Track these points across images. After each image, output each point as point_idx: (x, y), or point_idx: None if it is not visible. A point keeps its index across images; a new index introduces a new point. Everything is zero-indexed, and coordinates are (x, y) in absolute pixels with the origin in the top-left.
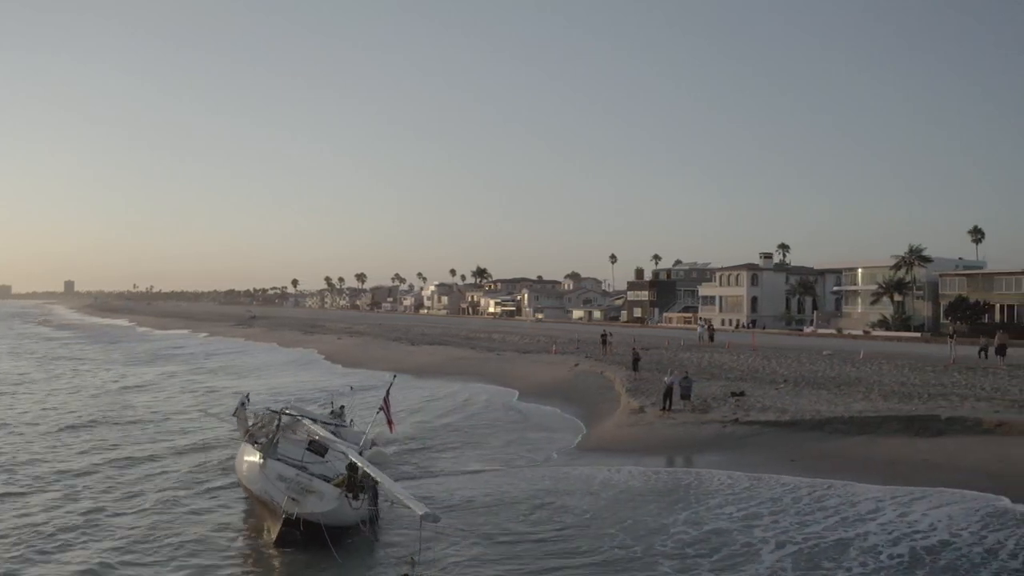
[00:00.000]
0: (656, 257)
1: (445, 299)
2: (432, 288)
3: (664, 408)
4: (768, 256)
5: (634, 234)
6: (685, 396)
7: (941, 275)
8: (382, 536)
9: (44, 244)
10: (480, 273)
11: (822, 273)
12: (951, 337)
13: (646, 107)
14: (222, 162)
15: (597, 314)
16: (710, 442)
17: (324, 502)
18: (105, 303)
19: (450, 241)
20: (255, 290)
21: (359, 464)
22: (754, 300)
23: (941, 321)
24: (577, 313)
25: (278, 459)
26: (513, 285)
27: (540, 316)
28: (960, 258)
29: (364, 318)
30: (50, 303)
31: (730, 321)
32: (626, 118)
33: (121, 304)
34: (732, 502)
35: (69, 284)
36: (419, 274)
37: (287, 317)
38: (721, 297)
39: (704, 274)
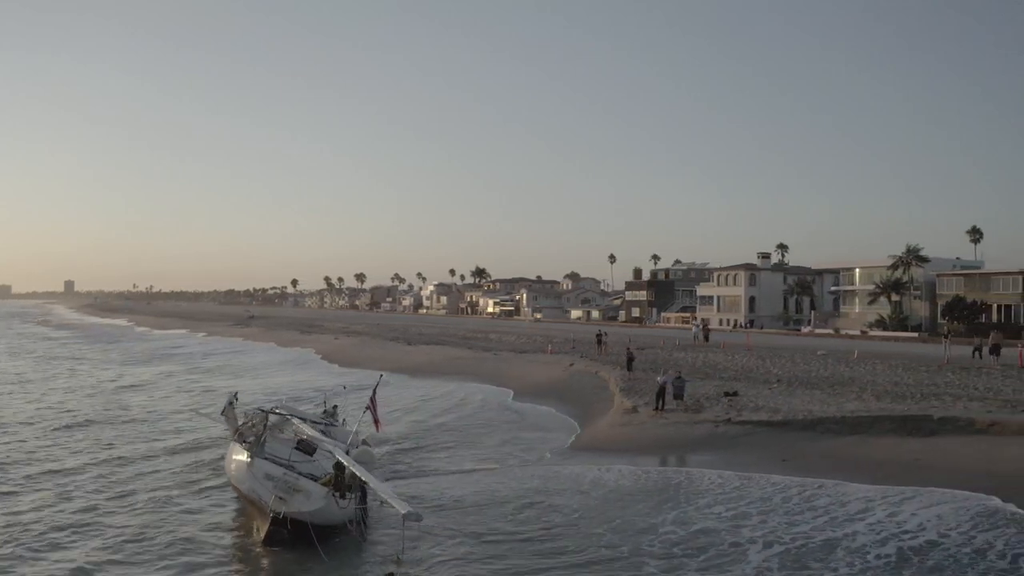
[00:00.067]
0: (655, 257)
1: (444, 299)
2: (431, 288)
3: (657, 408)
4: (766, 256)
5: (634, 234)
6: (678, 396)
7: (938, 275)
8: (370, 535)
9: (44, 244)
10: (479, 273)
11: (820, 273)
12: (945, 337)
13: (646, 107)
14: (222, 162)
15: (595, 314)
16: (702, 442)
17: (311, 501)
18: (105, 303)
19: (450, 241)
20: (255, 290)
21: (346, 463)
22: (752, 300)
23: (938, 321)
24: (575, 313)
25: (266, 458)
26: (512, 285)
27: (539, 316)
28: (958, 258)
29: (362, 318)
30: (50, 303)
31: (728, 321)
32: (626, 118)
33: (121, 304)
34: (721, 502)
35: (69, 284)
36: (419, 274)
37: (286, 317)
38: (719, 297)
39: (702, 274)
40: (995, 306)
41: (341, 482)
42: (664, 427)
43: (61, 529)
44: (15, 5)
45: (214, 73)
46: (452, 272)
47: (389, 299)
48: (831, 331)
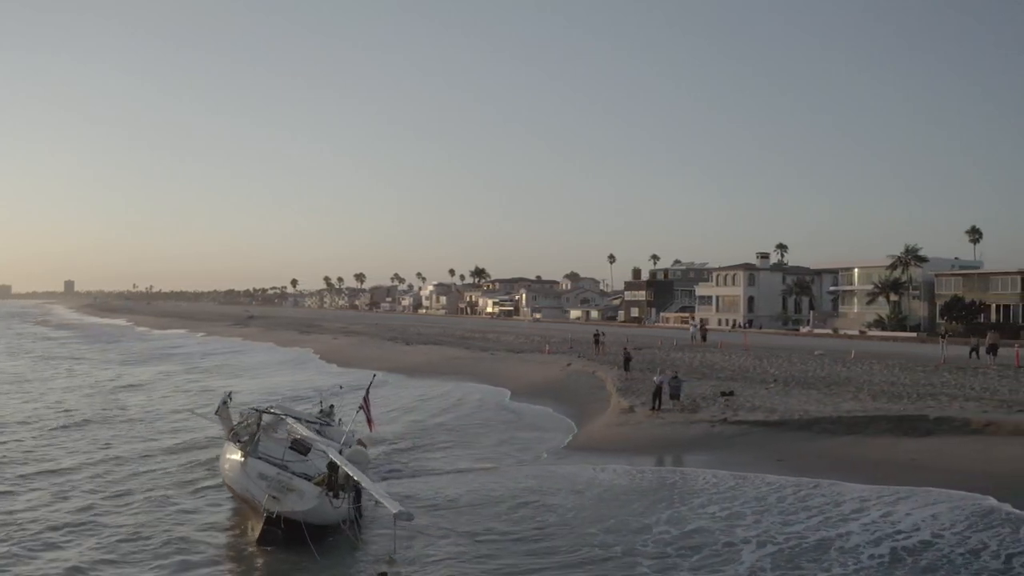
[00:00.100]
0: (654, 257)
1: (443, 299)
2: (430, 288)
3: (653, 408)
4: (765, 256)
5: (634, 234)
6: (674, 396)
7: (937, 275)
8: (364, 535)
9: (44, 244)
10: (478, 273)
11: (819, 273)
12: (942, 337)
13: (646, 107)
14: (222, 162)
15: (595, 314)
16: (698, 442)
17: (304, 501)
18: (104, 303)
19: (450, 241)
20: (255, 290)
21: (339, 463)
22: (751, 300)
23: (937, 321)
24: (575, 313)
25: (259, 458)
26: (511, 285)
27: (538, 316)
28: (956, 258)
29: (362, 318)
30: (50, 303)
31: (727, 321)
32: (626, 118)
33: (120, 304)
34: (716, 501)
35: (69, 284)
36: (418, 274)
37: (285, 317)
38: (718, 297)
39: (701, 274)
40: (994, 306)
41: (334, 482)
42: (660, 427)
43: (56, 528)
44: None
45: (214, 73)
46: (452, 272)
47: (389, 299)
48: (830, 331)
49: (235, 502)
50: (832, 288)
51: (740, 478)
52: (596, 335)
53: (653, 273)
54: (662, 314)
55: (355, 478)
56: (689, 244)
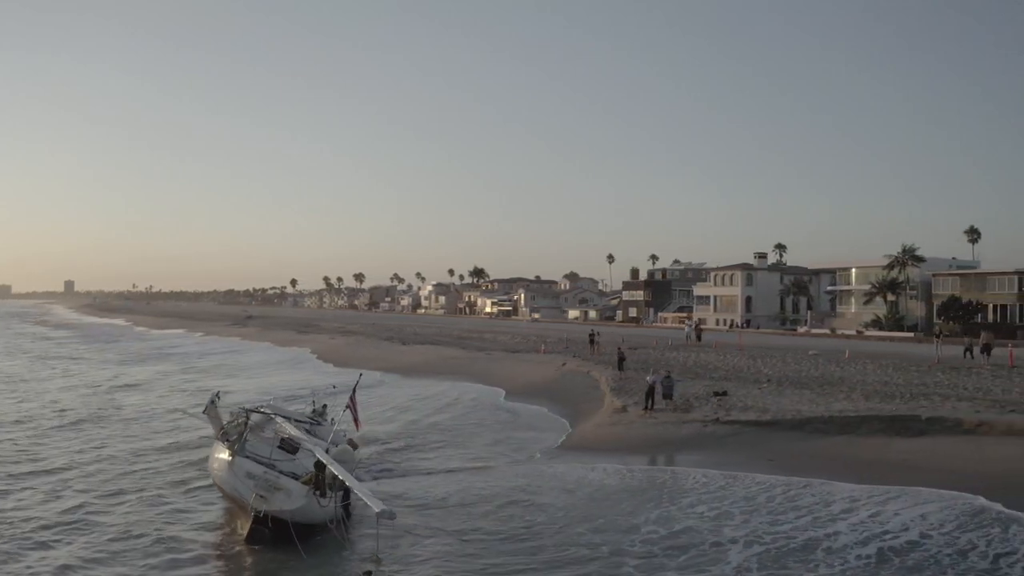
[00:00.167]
0: (653, 257)
1: (442, 299)
2: (429, 288)
3: (646, 407)
4: (763, 256)
5: (634, 234)
6: (667, 395)
7: (934, 275)
8: (352, 534)
9: (44, 244)
10: (477, 273)
11: (817, 273)
12: (937, 337)
13: (646, 107)
14: (222, 162)
15: (593, 314)
16: (690, 441)
17: (292, 499)
18: (104, 303)
19: (450, 241)
20: (254, 290)
21: (325, 462)
22: (748, 300)
23: (934, 321)
24: (573, 313)
25: (247, 457)
26: (510, 285)
27: (536, 316)
28: (954, 258)
29: (360, 318)
30: (49, 303)
31: (724, 321)
32: (626, 118)
33: (120, 304)
34: (705, 501)
35: (69, 284)
36: (418, 274)
37: (283, 317)
38: (716, 297)
39: (699, 274)
40: (991, 306)
41: (321, 481)
42: (653, 427)
43: (48, 528)
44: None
45: (214, 73)
46: (451, 272)
47: (388, 299)
48: (827, 331)
49: (226, 501)
50: (830, 288)
51: (730, 478)
52: (591, 335)
53: (651, 273)
54: (660, 314)
55: (340, 477)
56: (689, 244)
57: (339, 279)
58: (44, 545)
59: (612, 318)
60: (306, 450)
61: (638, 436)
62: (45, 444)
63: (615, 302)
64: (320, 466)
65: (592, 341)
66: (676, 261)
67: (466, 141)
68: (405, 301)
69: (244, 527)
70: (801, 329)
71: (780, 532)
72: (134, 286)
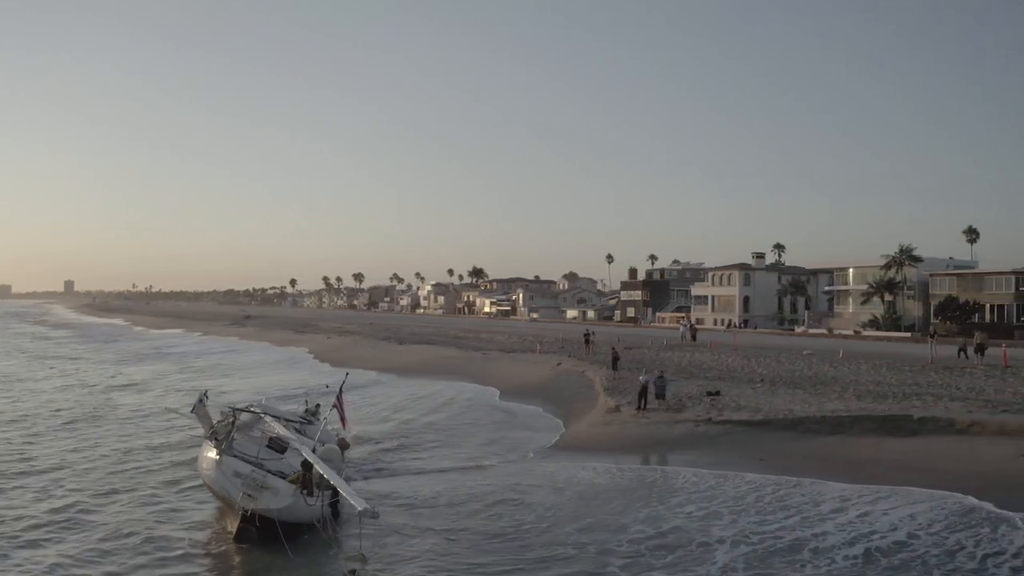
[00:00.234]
0: (652, 257)
1: (441, 299)
2: (428, 288)
3: (639, 407)
4: (760, 256)
5: (634, 234)
6: (660, 395)
7: (931, 275)
8: (340, 533)
9: (44, 244)
10: (476, 273)
11: (814, 273)
12: (932, 337)
13: (646, 107)
14: (222, 162)
15: (591, 314)
16: (682, 441)
17: (279, 498)
18: (104, 303)
19: (450, 241)
20: (254, 290)
21: (311, 461)
22: (746, 300)
23: (931, 321)
24: (571, 313)
25: (234, 456)
26: (509, 285)
27: (535, 316)
28: (951, 258)
29: (359, 318)
30: (49, 303)
31: (722, 321)
32: (626, 118)
33: (119, 304)
34: (694, 501)
35: (69, 284)
36: (417, 274)
37: (282, 317)
38: (714, 297)
39: (698, 274)
40: (988, 306)
41: (309, 480)
42: (645, 426)
43: (38, 527)
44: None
45: (214, 73)
46: (450, 272)
47: (387, 299)
48: (825, 331)
49: (216, 501)
50: (827, 288)
51: (721, 477)
52: (586, 335)
53: (649, 273)
54: (658, 314)
55: (325, 476)
56: (689, 244)
57: (338, 279)
58: (34, 544)
59: (610, 318)
60: (294, 449)
61: (631, 436)
62: (39, 443)
63: (613, 302)
64: (307, 465)
65: (587, 341)
66: (675, 261)
67: (466, 141)
68: (404, 301)
69: (233, 526)
70: (799, 329)
71: (767, 532)
72: (134, 286)
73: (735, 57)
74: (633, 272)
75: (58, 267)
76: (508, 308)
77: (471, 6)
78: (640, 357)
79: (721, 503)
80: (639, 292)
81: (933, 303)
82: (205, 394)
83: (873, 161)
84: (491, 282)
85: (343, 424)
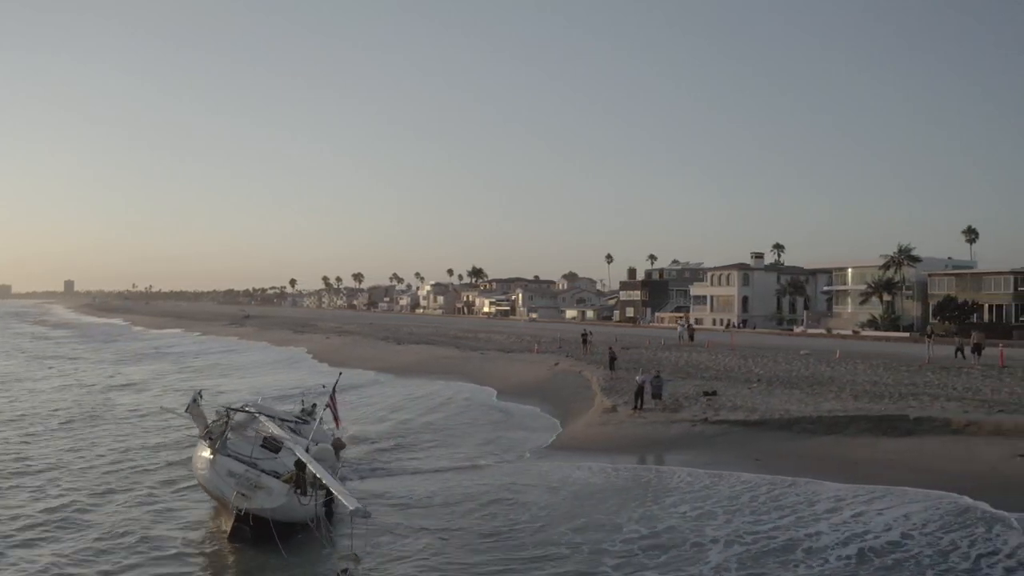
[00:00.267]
0: (652, 257)
1: (441, 299)
2: (428, 288)
3: (635, 407)
4: (759, 256)
5: (634, 234)
6: (656, 395)
7: (930, 275)
8: (334, 532)
9: (44, 244)
10: (476, 273)
11: (813, 273)
12: (928, 337)
13: (646, 107)
14: (222, 162)
15: (590, 314)
16: (678, 441)
17: (272, 498)
18: (103, 303)
19: (450, 241)
20: (254, 290)
21: (304, 460)
22: (745, 300)
23: (930, 321)
24: (571, 313)
25: (228, 455)
26: (508, 285)
27: (534, 316)
28: (949, 258)
29: (358, 318)
30: (49, 303)
31: (721, 321)
32: (626, 118)
33: (119, 304)
34: (688, 500)
35: (69, 284)
36: (417, 274)
37: (281, 317)
38: (712, 297)
39: (697, 274)
40: (986, 306)
41: (302, 479)
42: (641, 426)
43: (33, 527)
44: (15, 5)
45: (214, 73)
46: (450, 272)
47: (387, 299)
48: (823, 331)
49: (212, 500)
50: (826, 288)
51: (715, 477)
52: (584, 335)
53: (648, 273)
54: (657, 314)
55: (318, 475)
56: (689, 244)
57: (338, 279)
58: (29, 544)
59: (610, 318)
60: (288, 449)
61: (627, 436)
62: (36, 443)
63: (613, 302)
64: (301, 465)
65: (585, 341)
66: (675, 261)
67: (466, 141)
68: (404, 301)
69: (227, 525)
70: (797, 329)
71: (761, 532)
72: (134, 286)
73: (735, 57)
74: (632, 272)
75: (58, 267)
76: (507, 308)
77: (471, 6)
78: (637, 357)
79: (716, 503)
80: (638, 292)
81: (932, 303)
82: (199, 394)
83: (873, 161)
84: (490, 282)
85: (336, 424)
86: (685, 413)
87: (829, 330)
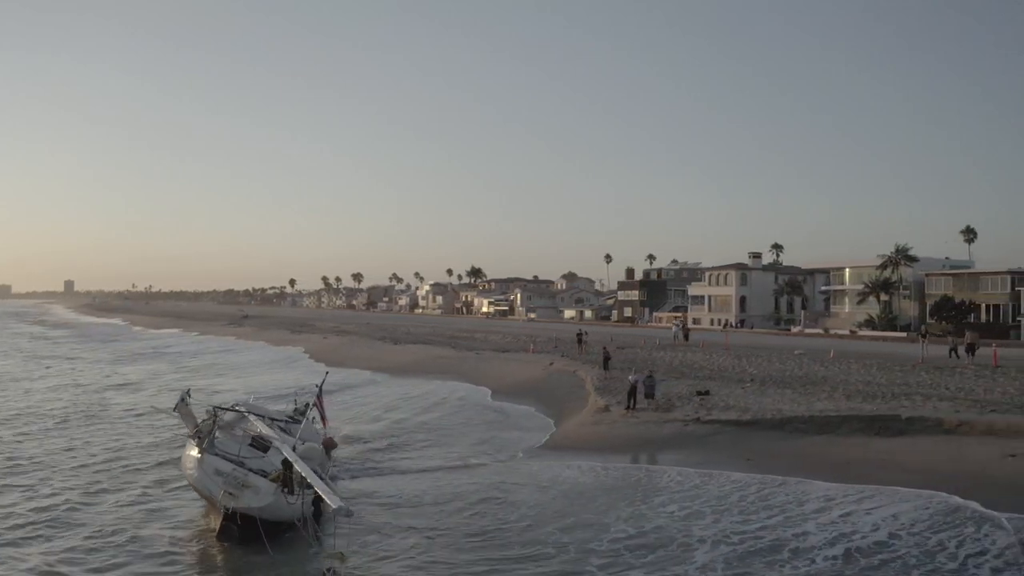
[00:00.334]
0: (651, 257)
1: (440, 299)
2: (427, 288)
3: (628, 407)
4: (757, 256)
5: (634, 234)
6: (649, 395)
7: (927, 275)
8: (322, 531)
9: (44, 244)
10: (475, 273)
11: (811, 273)
12: (923, 337)
13: (646, 107)
14: (222, 162)
15: (589, 314)
16: (669, 441)
17: (259, 497)
18: (103, 303)
19: (450, 241)
20: (254, 290)
21: (291, 459)
22: (743, 300)
23: (927, 321)
24: (569, 313)
25: (216, 454)
26: (507, 285)
27: (532, 316)
28: (947, 258)
29: (356, 317)
30: (49, 303)
31: (719, 321)
32: (626, 118)
33: (119, 304)
34: (677, 500)
35: (69, 284)
36: (416, 274)
37: (280, 317)
38: (710, 296)
39: (695, 274)
40: (983, 306)
41: (289, 479)
42: (634, 426)
43: (23, 526)
44: (15, 5)
45: (214, 73)
46: (449, 272)
47: (386, 299)
48: (821, 331)
49: (202, 499)
50: (824, 288)
51: (705, 476)
52: (579, 334)
53: (646, 273)
54: (655, 314)
55: (303, 474)
56: (689, 244)
57: (337, 279)
58: (17, 543)
59: (608, 318)
60: (277, 448)
61: (619, 436)
62: (29, 443)
63: (611, 302)
64: (288, 464)
65: (580, 341)
66: (674, 261)
67: (466, 141)
68: (403, 301)
69: (216, 524)
70: (795, 329)
71: (748, 532)
72: (134, 286)
73: (735, 57)
74: (630, 272)
75: (58, 267)
76: (506, 308)
77: (471, 6)
78: (632, 357)
79: (704, 502)
80: (636, 292)
81: (929, 303)
82: (187, 393)
83: (873, 161)
84: (489, 282)
85: (324, 423)
86: (678, 413)
87: (827, 330)
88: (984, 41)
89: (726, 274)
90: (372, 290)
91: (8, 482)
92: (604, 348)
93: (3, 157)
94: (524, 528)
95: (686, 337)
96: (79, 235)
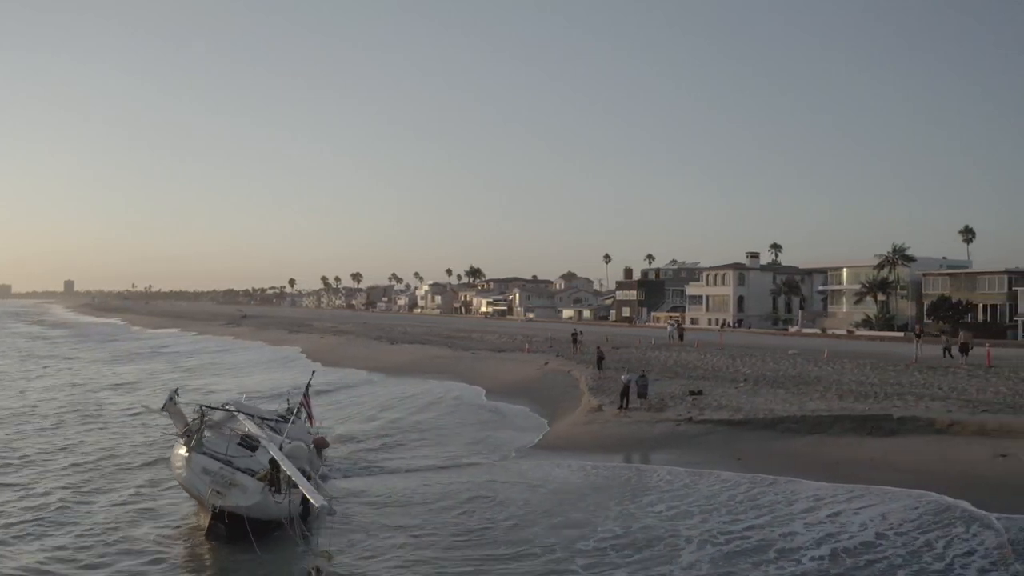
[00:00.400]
0: (649, 257)
1: (439, 299)
2: (426, 288)
3: (621, 407)
4: (755, 256)
5: (633, 234)
6: (642, 395)
7: (924, 275)
8: (310, 530)
9: (44, 244)
10: (473, 273)
11: (809, 273)
12: (917, 337)
13: (646, 107)
14: (222, 162)
15: (587, 314)
16: (661, 440)
17: (247, 495)
18: (103, 302)
19: (449, 241)
20: (254, 290)
21: (277, 458)
22: (740, 300)
23: (924, 320)
24: (567, 313)
25: (203, 453)
26: (505, 285)
27: (531, 316)
28: (944, 257)
29: (355, 317)
30: (49, 302)
31: (717, 320)
32: (626, 118)
33: (118, 303)
34: (666, 500)
35: (69, 284)
36: (416, 274)
37: (279, 316)
38: (708, 296)
39: (693, 274)
40: (980, 306)
41: (276, 477)
42: (626, 426)
43: (13, 525)
44: (15, 5)
45: (214, 73)
46: (449, 272)
47: (385, 299)
48: (818, 331)
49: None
50: (821, 288)
51: (696, 476)
52: (574, 334)
53: (645, 273)
54: (653, 314)
55: (288, 472)
56: (688, 244)
57: (337, 279)
58: (7, 542)
59: (606, 318)
60: (265, 447)
61: (612, 435)
62: (24, 442)
63: (609, 302)
64: (275, 463)
65: (575, 340)
66: (673, 261)
67: (466, 141)
68: (402, 301)
69: (204, 522)
70: (792, 329)
71: (735, 532)
72: (133, 286)
73: (735, 57)
74: (628, 272)
75: (58, 267)
76: (504, 308)
77: (471, 6)
78: (627, 357)
79: (693, 502)
80: (634, 292)
81: (926, 303)
82: (176, 392)
83: (872, 161)
84: (488, 282)
85: (310, 421)
86: (670, 412)
87: (824, 330)
88: (984, 41)
89: (724, 274)
90: (371, 290)
91: (1, 481)
92: (598, 348)
93: (3, 157)
94: (511, 527)
95: (681, 337)
96: (79, 235)
